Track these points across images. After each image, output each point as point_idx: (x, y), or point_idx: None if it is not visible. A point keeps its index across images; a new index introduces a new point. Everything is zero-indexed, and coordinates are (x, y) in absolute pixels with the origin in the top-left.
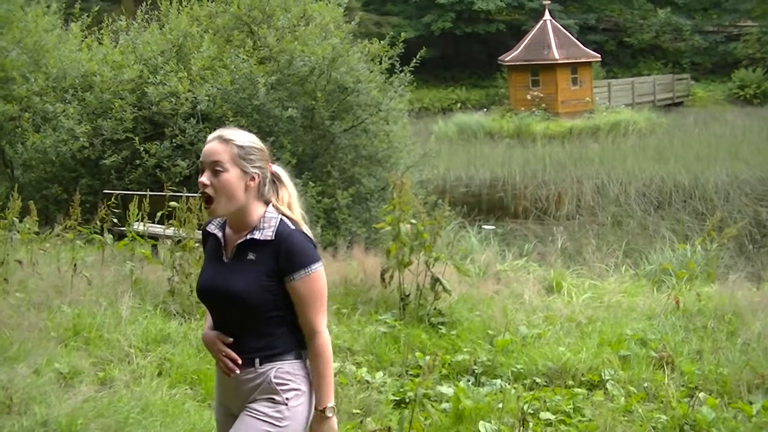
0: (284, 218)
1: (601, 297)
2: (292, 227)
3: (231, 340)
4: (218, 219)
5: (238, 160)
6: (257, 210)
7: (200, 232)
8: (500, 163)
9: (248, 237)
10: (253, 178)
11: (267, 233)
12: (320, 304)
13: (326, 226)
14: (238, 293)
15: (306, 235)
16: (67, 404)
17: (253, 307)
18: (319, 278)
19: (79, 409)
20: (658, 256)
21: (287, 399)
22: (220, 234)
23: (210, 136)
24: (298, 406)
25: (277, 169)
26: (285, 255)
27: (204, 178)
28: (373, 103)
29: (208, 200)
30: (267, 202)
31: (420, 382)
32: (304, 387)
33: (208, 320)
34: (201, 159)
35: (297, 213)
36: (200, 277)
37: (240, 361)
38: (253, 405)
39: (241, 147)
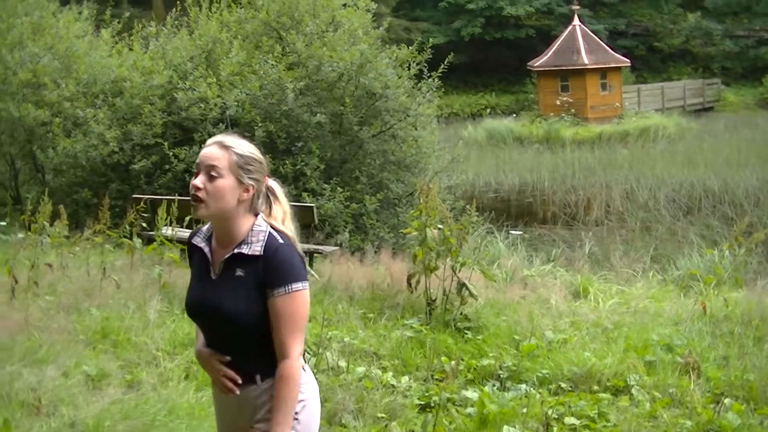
0: (273, 231)
1: (628, 302)
2: (281, 241)
3: (228, 358)
4: (204, 231)
5: (236, 169)
6: (246, 223)
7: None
8: (529, 168)
9: (236, 251)
10: (247, 190)
11: (255, 248)
12: (297, 328)
13: (354, 231)
14: (230, 313)
15: (296, 251)
16: (94, 406)
17: (247, 326)
18: (300, 299)
19: (106, 411)
20: (686, 262)
21: (296, 414)
22: (206, 248)
23: (210, 140)
24: (307, 417)
25: (273, 183)
26: (269, 268)
27: (198, 181)
28: (401, 109)
29: (196, 200)
30: (256, 215)
31: (445, 387)
32: (308, 393)
33: (200, 337)
34: (197, 161)
35: (291, 230)
36: (188, 294)
37: (240, 380)
38: (262, 426)
39: (240, 156)
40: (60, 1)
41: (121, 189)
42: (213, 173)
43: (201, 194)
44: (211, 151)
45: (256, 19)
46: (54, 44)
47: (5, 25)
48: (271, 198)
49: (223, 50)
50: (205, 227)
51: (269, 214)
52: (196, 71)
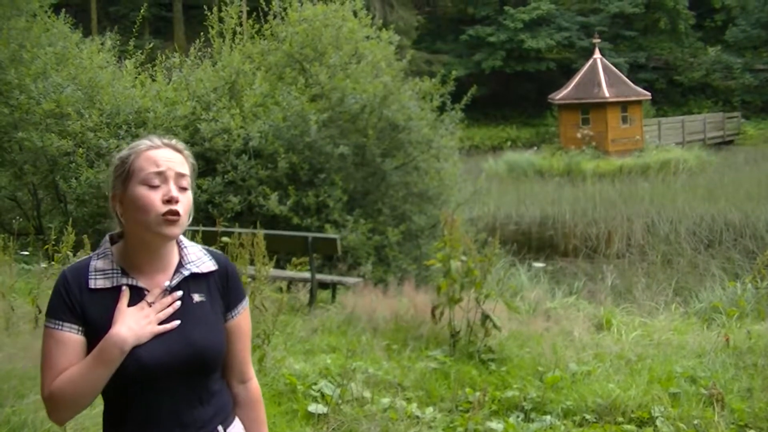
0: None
1: (651, 334)
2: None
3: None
4: (98, 267)
5: (193, 178)
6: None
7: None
8: (550, 201)
9: (187, 273)
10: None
11: (207, 264)
12: (250, 344)
13: (377, 263)
14: (210, 349)
15: None
16: None
17: (219, 363)
18: (248, 311)
19: None
20: (708, 294)
21: None
22: (134, 283)
23: (154, 140)
24: None
25: None
26: (232, 285)
27: (175, 192)
28: (424, 141)
29: (176, 215)
30: None
31: (470, 418)
32: None
33: (67, 374)
34: (156, 168)
35: None
36: (134, 349)
37: (179, 294)
38: None
39: (194, 164)
40: (83, 32)
41: None
42: (184, 184)
43: (180, 208)
44: (171, 155)
45: (280, 50)
46: (77, 74)
47: (29, 56)
48: None
49: (247, 81)
50: (98, 263)
51: None
52: (219, 102)
